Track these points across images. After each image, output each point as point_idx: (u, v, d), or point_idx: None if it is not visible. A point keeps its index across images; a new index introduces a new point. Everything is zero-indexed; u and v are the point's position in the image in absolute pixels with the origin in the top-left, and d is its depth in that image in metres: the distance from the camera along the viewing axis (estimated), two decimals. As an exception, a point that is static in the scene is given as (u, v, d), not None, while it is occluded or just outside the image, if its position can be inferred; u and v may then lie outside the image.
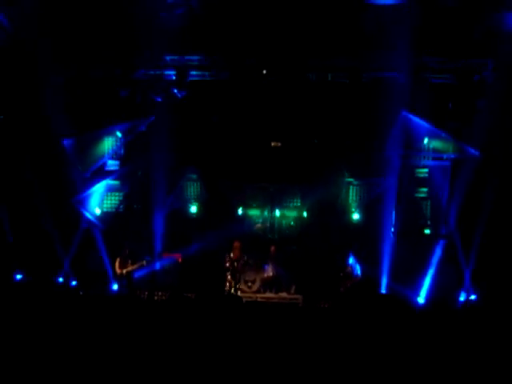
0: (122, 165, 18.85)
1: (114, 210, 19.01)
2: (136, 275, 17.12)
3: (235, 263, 17.05)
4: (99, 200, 18.62)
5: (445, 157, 17.79)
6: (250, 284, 17.43)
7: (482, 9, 15.00)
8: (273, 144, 18.83)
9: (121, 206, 19.12)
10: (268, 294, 17.34)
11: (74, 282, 17.70)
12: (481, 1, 14.78)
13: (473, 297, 16.62)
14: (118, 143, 18.63)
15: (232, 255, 17.15)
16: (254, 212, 19.86)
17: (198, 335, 9.06)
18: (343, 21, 15.49)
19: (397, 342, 9.16)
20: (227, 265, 17.00)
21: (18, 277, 17.29)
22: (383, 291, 16.90)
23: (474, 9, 15.04)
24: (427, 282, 17.16)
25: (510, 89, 16.24)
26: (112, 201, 19.05)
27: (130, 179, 18.90)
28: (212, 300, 10.33)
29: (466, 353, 9.09)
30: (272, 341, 9.14)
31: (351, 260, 17.10)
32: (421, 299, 16.88)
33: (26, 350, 8.83)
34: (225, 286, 16.85)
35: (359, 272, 17.03)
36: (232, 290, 16.70)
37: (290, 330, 9.59)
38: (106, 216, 18.71)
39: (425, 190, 18.60)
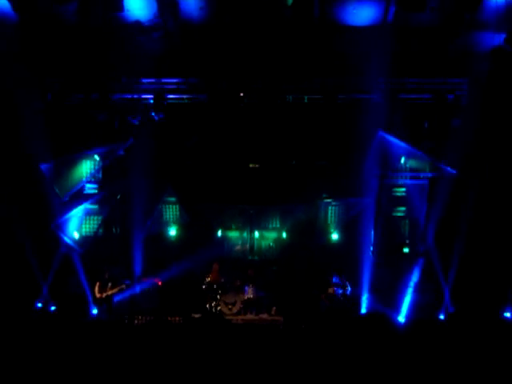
0: (100, 188, 18.74)
1: (92, 234, 18.85)
2: (116, 299, 17.05)
3: (214, 285, 17.12)
4: (78, 224, 18.51)
5: (422, 176, 17.97)
6: (230, 306, 17.42)
7: (457, 29, 15.19)
8: (251, 166, 18.84)
9: (100, 230, 18.97)
10: (249, 316, 17.36)
11: (53, 307, 17.55)
12: (455, 21, 14.94)
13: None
14: (97, 167, 18.59)
15: (211, 278, 17.20)
16: (233, 234, 19.82)
17: (180, 359, 9.03)
18: (319, 43, 15.63)
19: (377, 360, 9.18)
20: (206, 287, 17.06)
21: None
22: (363, 311, 16.94)
23: (448, 29, 15.23)
24: (407, 300, 17.22)
25: (483, 107, 16.45)
26: (91, 225, 18.90)
27: (109, 203, 18.78)
28: (196, 323, 10.34)
29: (447, 369, 9.13)
30: (253, 363, 9.13)
31: (335, 279, 17.09)
32: (401, 318, 16.92)
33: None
34: (205, 308, 16.88)
35: (349, 290, 17.03)
36: (212, 312, 16.72)
37: (271, 351, 9.59)
38: (84, 240, 18.55)
39: (403, 208, 18.69)
